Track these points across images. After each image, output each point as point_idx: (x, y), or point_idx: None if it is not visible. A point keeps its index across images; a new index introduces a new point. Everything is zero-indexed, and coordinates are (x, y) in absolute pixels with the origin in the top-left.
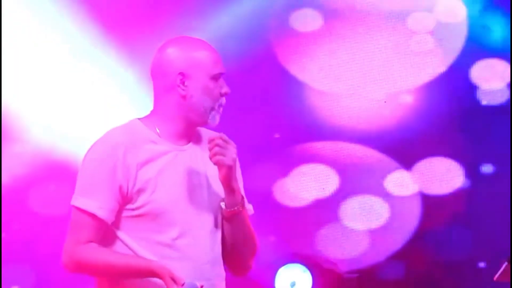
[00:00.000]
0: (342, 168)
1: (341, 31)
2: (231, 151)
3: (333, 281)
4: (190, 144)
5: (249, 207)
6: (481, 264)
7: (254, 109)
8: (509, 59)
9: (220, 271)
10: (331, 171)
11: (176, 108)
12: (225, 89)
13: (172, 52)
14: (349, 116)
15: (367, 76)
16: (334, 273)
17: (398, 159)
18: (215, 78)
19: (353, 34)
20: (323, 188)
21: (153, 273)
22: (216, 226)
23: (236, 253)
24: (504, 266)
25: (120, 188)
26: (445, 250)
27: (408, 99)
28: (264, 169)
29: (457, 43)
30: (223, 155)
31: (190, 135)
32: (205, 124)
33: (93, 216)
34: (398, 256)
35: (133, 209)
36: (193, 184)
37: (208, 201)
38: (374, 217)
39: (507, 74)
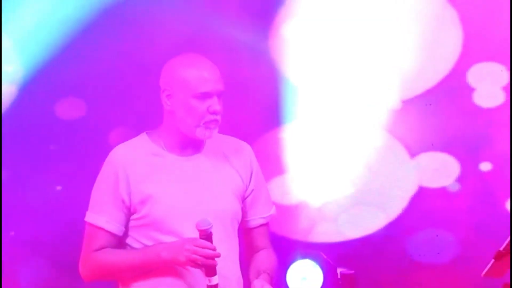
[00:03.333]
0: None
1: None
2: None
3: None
4: (197, 155)
5: (272, 211)
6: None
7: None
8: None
9: (228, 273)
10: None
11: (170, 122)
12: (213, 108)
13: (165, 70)
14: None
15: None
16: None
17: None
18: (199, 97)
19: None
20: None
21: (170, 257)
22: (222, 233)
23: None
24: (491, 262)
25: (123, 201)
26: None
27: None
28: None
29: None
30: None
31: (195, 145)
32: (195, 138)
33: (102, 229)
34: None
35: (138, 219)
36: (196, 193)
37: (214, 209)
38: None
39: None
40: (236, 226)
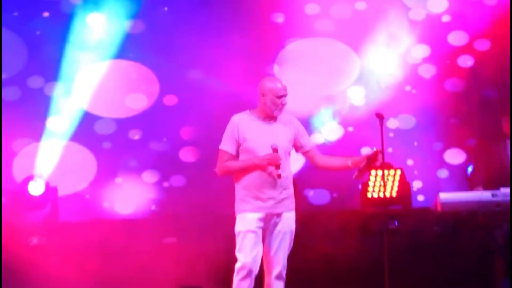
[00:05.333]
0: None
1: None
2: None
3: None
4: (274, 123)
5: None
6: None
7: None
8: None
9: (289, 185)
10: None
11: (261, 107)
12: (283, 102)
13: (262, 83)
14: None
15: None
16: None
17: None
18: (279, 97)
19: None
20: None
21: (263, 161)
22: (282, 156)
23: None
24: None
25: (236, 140)
26: None
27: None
28: None
29: None
30: None
31: (272, 118)
32: (273, 115)
33: (227, 152)
34: None
35: (241, 147)
36: (270, 138)
37: (280, 145)
38: None
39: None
40: (289, 156)
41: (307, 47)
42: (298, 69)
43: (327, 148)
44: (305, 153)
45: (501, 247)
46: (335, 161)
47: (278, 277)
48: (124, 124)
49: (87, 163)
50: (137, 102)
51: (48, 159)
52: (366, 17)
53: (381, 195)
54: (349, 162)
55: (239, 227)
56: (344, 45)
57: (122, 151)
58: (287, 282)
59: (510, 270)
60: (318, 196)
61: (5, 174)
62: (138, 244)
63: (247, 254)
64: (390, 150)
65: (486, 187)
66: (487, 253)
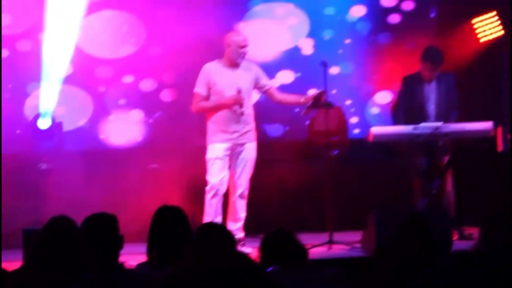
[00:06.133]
0: None
1: None
2: None
3: None
4: (238, 69)
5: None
6: None
7: None
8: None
9: (251, 120)
10: None
11: (227, 56)
12: (244, 51)
13: (227, 36)
14: None
15: None
16: None
17: None
18: (240, 47)
19: None
20: None
21: (229, 101)
22: (245, 95)
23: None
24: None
25: (208, 83)
26: None
27: None
28: None
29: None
30: None
31: (237, 65)
32: (236, 62)
33: (200, 94)
34: None
35: (212, 89)
36: (235, 81)
37: (242, 86)
38: None
39: None
40: (251, 95)
41: (268, 9)
42: (259, 27)
43: (283, 89)
44: (265, 92)
45: (418, 168)
46: (290, 98)
47: (241, 196)
48: (116, 69)
49: (85, 103)
50: (127, 51)
51: (53, 100)
52: None
53: (323, 128)
54: (302, 99)
55: (209, 154)
56: (294, 7)
57: (114, 93)
58: (248, 199)
59: (425, 190)
60: (272, 130)
61: (19, 113)
62: (127, 169)
63: (215, 177)
64: (334, 91)
65: (407, 123)
66: (408, 176)
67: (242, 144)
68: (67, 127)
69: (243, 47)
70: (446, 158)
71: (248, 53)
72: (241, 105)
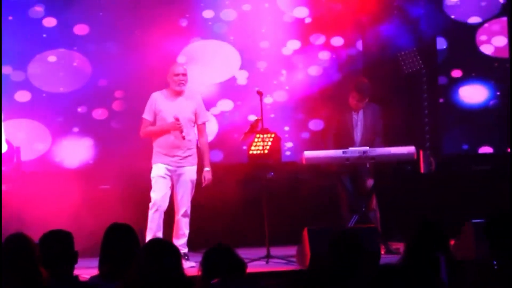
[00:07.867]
0: None
1: None
2: None
3: None
4: (180, 98)
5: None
6: None
7: None
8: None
9: (192, 146)
10: None
11: (169, 86)
12: (180, 79)
13: (169, 68)
14: None
15: None
16: None
17: None
18: (175, 75)
19: None
20: None
21: (169, 127)
22: (186, 124)
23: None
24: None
25: (154, 110)
26: None
27: None
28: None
29: None
30: None
31: (179, 94)
32: (176, 90)
33: (148, 120)
34: None
35: (157, 116)
36: (176, 110)
37: (183, 116)
38: None
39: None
40: (193, 124)
41: (205, 45)
42: (198, 61)
43: (224, 117)
44: (196, 127)
45: (347, 188)
46: (201, 156)
47: (184, 215)
48: (70, 100)
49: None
50: (78, 83)
51: (11, 130)
52: (250, 18)
53: (260, 152)
54: (205, 168)
55: (153, 173)
56: (229, 45)
57: (70, 121)
58: (191, 218)
59: (353, 208)
60: (214, 155)
61: None
62: (80, 190)
63: (157, 193)
64: (272, 115)
65: (337, 147)
66: (336, 195)
67: (183, 167)
68: (25, 150)
69: (177, 75)
70: (371, 180)
71: (187, 82)
72: (181, 131)
